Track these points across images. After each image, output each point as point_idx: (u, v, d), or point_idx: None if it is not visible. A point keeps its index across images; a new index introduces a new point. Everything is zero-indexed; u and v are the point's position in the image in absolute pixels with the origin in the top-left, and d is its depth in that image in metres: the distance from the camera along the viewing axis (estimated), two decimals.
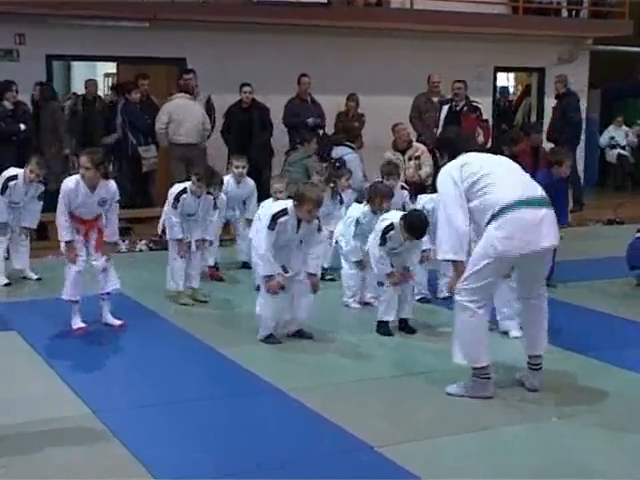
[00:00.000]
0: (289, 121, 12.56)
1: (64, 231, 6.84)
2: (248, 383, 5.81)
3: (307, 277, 6.74)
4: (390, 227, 6.86)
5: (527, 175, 5.63)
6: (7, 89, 10.83)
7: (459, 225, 5.36)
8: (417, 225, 6.84)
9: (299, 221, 6.58)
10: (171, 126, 11.89)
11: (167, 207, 7.96)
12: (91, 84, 13.38)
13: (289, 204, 6.61)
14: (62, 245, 6.92)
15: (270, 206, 6.90)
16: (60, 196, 6.83)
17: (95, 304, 7.08)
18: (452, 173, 5.45)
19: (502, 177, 5.40)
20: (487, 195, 5.32)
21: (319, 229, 6.78)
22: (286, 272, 6.70)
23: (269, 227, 6.53)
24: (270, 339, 6.71)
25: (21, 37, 12.86)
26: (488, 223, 5.30)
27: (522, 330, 5.89)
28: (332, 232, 8.48)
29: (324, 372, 6.13)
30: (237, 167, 9.10)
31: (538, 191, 5.45)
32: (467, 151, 5.66)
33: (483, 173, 5.38)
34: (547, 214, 5.36)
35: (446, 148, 5.87)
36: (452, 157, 5.64)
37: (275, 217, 6.54)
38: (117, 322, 7.08)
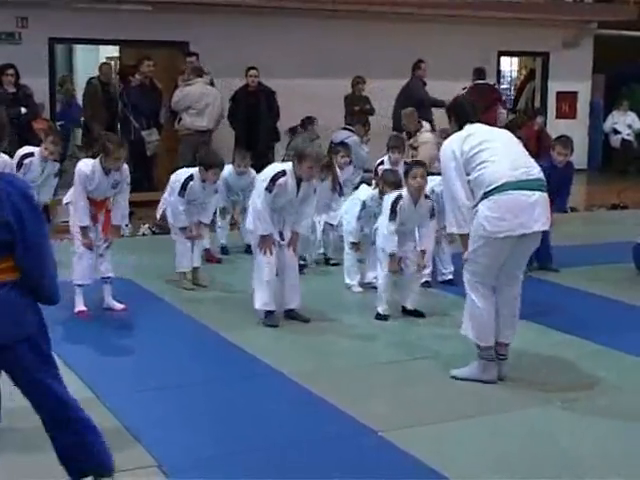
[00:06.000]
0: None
1: (83, 216, 6.80)
2: (251, 367, 5.80)
3: (291, 235, 6.78)
4: (399, 197, 6.79)
5: (526, 154, 5.53)
6: (2, 73, 10.81)
7: (460, 198, 5.35)
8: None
9: (299, 182, 6.58)
10: (191, 112, 11.82)
11: (169, 195, 7.89)
12: (106, 67, 13.32)
13: (288, 165, 6.60)
14: (76, 229, 6.87)
15: (270, 169, 6.81)
16: (76, 180, 6.81)
17: (96, 288, 7.05)
18: (453, 146, 5.42)
19: (500, 155, 5.32)
20: (482, 171, 5.27)
21: (315, 191, 6.84)
22: (282, 239, 6.74)
23: (267, 189, 6.52)
24: (268, 319, 6.70)
25: (23, 20, 12.84)
26: (480, 200, 5.27)
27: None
28: (331, 225, 8.47)
29: (327, 356, 6.13)
30: (239, 166, 9.06)
31: (534, 173, 5.37)
32: (474, 122, 5.59)
33: (482, 147, 5.33)
34: (540, 197, 5.29)
35: (455, 114, 5.77)
36: (460, 126, 5.58)
37: (274, 179, 6.52)
38: (119, 306, 7.07)
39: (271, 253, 6.64)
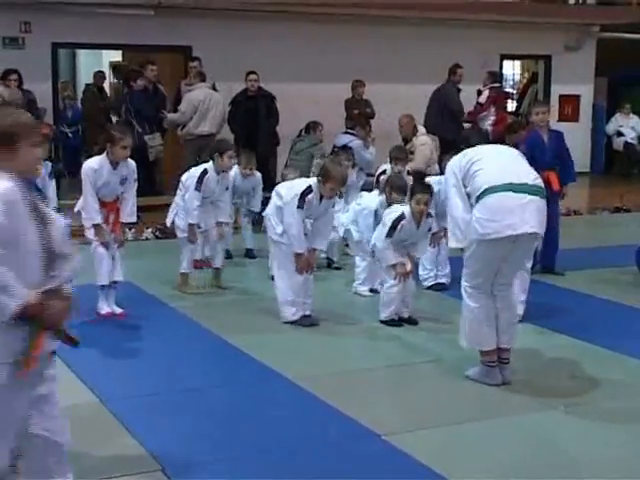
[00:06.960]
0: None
1: (95, 214, 6.75)
2: (255, 371, 5.80)
3: (308, 251, 6.78)
4: (401, 217, 6.76)
5: (525, 165, 5.57)
6: (5, 78, 10.84)
7: (459, 214, 5.44)
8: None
9: (321, 196, 6.67)
10: (194, 117, 11.82)
11: (182, 195, 7.82)
12: (99, 76, 13.43)
13: (312, 181, 6.73)
14: (90, 231, 6.79)
15: (292, 185, 6.91)
16: (84, 178, 6.77)
17: (92, 293, 6.89)
18: (454, 163, 5.56)
19: (491, 162, 5.43)
20: (475, 179, 5.37)
21: (333, 205, 6.95)
22: None
23: (299, 206, 6.61)
24: (305, 321, 6.79)
25: (27, 25, 12.85)
26: (474, 206, 5.36)
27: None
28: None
29: (331, 360, 6.12)
30: (245, 168, 9.08)
31: (529, 179, 5.40)
32: (479, 144, 5.73)
33: (476, 159, 5.44)
34: (532, 201, 5.31)
35: (463, 143, 5.93)
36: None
37: (303, 196, 6.61)
38: (118, 310, 7.03)
39: (306, 272, 6.75)
